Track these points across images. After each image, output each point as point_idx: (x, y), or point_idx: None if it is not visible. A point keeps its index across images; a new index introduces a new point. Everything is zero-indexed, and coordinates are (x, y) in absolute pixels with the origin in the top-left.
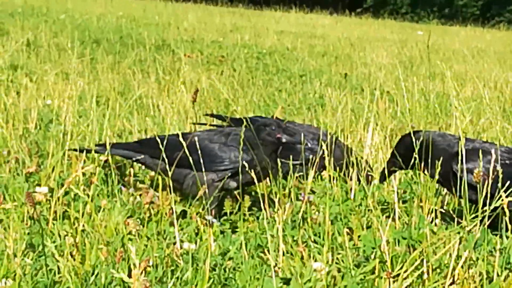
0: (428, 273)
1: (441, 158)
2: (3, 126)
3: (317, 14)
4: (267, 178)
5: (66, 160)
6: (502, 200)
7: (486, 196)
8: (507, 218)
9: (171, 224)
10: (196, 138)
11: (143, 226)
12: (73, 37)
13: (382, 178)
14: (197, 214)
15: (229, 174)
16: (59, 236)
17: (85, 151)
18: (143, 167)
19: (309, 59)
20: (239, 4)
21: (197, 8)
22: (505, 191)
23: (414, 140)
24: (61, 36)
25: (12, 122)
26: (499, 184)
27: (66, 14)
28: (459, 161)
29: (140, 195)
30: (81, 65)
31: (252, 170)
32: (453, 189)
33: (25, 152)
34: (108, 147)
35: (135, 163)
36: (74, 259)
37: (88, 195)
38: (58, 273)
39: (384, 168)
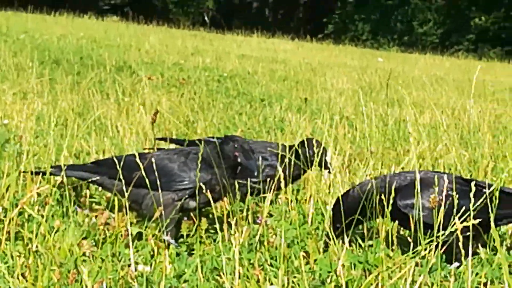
0: None
1: (387, 200)
2: None
3: (279, 39)
4: (225, 199)
5: (21, 180)
6: (455, 225)
7: (440, 222)
8: (460, 244)
9: (126, 245)
10: (155, 158)
11: (98, 248)
12: (32, 56)
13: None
14: (153, 236)
15: (188, 194)
16: (11, 257)
17: (40, 173)
18: (100, 188)
19: (270, 83)
20: (201, 27)
21: (159, 30)
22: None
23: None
24: (20, 55)
25: None
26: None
27: (26, 34)
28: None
29: (96, 216)
30: (40, 85)
31: (210, 191)
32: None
33: None
34: (63, 169)
35: (91, 184)
36: (26, 280)
37: (42, 216)
38: None
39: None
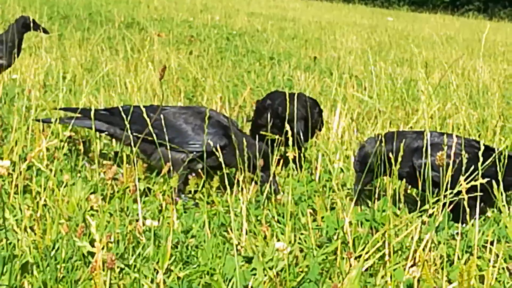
0: (389, 255)
1: (402, 158)
2: None
3: None
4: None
5: (30, 135)
6: (461, 185)
7: (448, 181)
8: (465, 203)
9: (134, 200)
10: (169, 115)
11: (106, 202)
12: (41, 12)
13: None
14: (160, 191)
15: (198, 155)
16: (20, 210)
17: (51, 122)
18: (110, 138)
19: (279, 41)
20: None
21: None
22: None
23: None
24: (29, 10)
25: None
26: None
27: None
28: (421, 156)
29: (104, 171)
30: (48, 41)
31: (224, 155)
32: (418, 185)
33: None
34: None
35: (99, 138)
36: (35, 233)
37: (50, 170)
38: (19, 246)
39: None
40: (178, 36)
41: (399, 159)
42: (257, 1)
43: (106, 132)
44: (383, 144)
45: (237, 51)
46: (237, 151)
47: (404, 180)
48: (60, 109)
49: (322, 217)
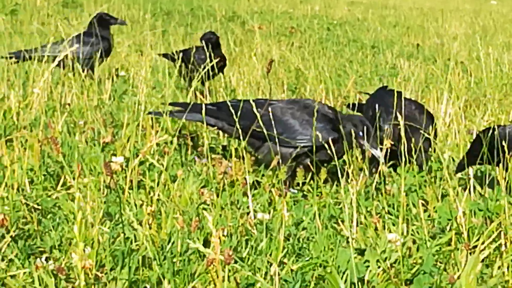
0: (506, 245)
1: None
2: (79, 97)
3: None
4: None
5: (140, 131)
6: None
7: None
8: None
9: (245, 194)
10: (276, 110)
11: (217, 196)
12: (145, 8)
13: (460, 169)
14: (269, 184)
15: (305, 150)
16: (135, 205)
17: (162, 114)
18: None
19: (381, 29)
20: None
21: None
22: None
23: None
24: (133, 8)
25: (87, 93)
26: None
27: None
28: None
29: (213, 165)
30: (153, 37)
31: (333, 148)
32: None
33: (100, 122)
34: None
35: (208, 132)
36: (151, 228)
37: (162, 165)
38: (135, 241)
39: (462, 161)
40: (278, 28)
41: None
42: None
43: (215, 127)
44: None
45: (338, 41)
46: (345, 143)
47: None
48: (170, 104)
49: (434, 208)
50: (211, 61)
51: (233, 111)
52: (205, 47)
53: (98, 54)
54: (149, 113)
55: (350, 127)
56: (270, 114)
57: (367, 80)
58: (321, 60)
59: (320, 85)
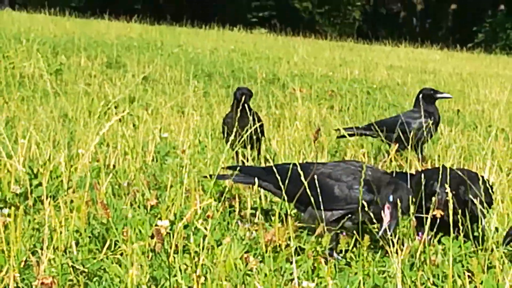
0: None
1: None
2: (124, 158)
3: (427, 48)
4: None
5: (183, 193)
6: None
7: None
8: None
9: (287, 260)
10: (321, 174)
11: (261, 262)
12: (187, 70)
13: (507, 241)
14: (312, 250)
15: (345, 214)
16: (180, 269)
17: (211, 177)
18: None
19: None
20: (348, 38)
21: (306, 42)
22: None
23: None
24: (175, 69)
25: (131, 154)
26: None
27: (179, 48)
28: None
29: (256, 230)
30: (194, 98)
31: (371, 211)
32: None
33: (145, 184)
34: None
35: (252, 195)
36: None
37: (206, 228)
38: None
39: (510, 231)
40: (318, 91)
41: None
42: (396, 54)
43: (265, 189)
44: None
45: (378, 105)
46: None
47: None
48: (226, 168)
49: (480, 280)
50: (253, 121)
51: (280, 176)
52: (236, 104)
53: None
54: (210, 175)
55: (387, 192)
56: (316, 178)
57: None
58: (361, 124)
59: (361, 150)
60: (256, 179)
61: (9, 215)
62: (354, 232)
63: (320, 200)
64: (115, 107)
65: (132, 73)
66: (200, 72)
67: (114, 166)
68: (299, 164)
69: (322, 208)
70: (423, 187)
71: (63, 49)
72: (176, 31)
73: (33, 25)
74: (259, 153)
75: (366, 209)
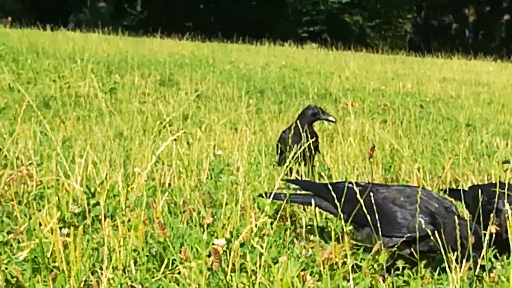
0: None
1: None
2: (179, 177)
3: (481, 60)
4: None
5: (239, 211)
6: None
7: None
8: None
9: (345, 278)
10: (379, 196)
11: (318, 281)
12: (239, 87)
13: None
14: (369, 268)
15: (405, 241)
16: None
17: (269, 196)
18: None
19: (475, 107)
20: (399, 51)
21: (358, 56)
22: None
23: None
24: (227, 86)
25: (185, 173)
26: None
27: (231, 65)
28: None
29: (312, 247)
30: (247, 115)
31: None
32: None
33: (200, 202)
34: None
35: (306, 213)
36: None
37: (262, 246)
38: None
39: None
40: (371, 105)
41: None
42: (449, 66)
43: (321, 207)
44: None
45: (432, 119)
46: (448, 234)
47: None
48: (287, 180)
49: None
50: (307, 139)
51: (336, 195)
52: (300, 125)
53: None
54: (265, 193)
55: (451, 221)
56: (373, 200)
57: (463, 160)
58: (415, 138)
59: (415, 164)
60: (313, 201)
61: (68, 235)
62: (411, 256)
63: (380, 224)
64: (169, 125)
65: (185, 91)
66: (252, 89)
67: (169, 184)
68: (357, 183)
69: (381, 232)
70: (480, 204)
71: (117, 68)
72: (228, 48)
73: (87, 44)
74: (312, 169)
75: (427, 239)
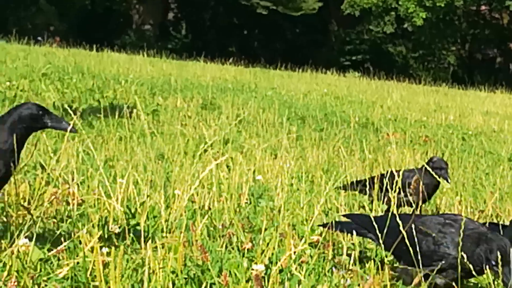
0: None
1: None
2: (219, 200)
3: None
4: None
5: (277, 236)
6: None
7: None
8: None
9: None
10: (420, 227)
11: None
12: (280, 113)
13: None
14: None
15: (439, 270)
16: None
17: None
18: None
19: None
20: (442, 83)
21: (400, 86)
22: None
23: None
24: (268, 112)
25: (225, 196)
26: None
27: (273, 91)
28: None
29: (351, 277)
30: (287, 141)
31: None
32: None
33: (239, 227)
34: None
35: (345, 242)
36: None
37: (300, 273)
38: None
39: None
40: (412, 136)
41: None
42: (492, 100)
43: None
44: None
45: (474, 152)
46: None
47: None
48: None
49: None
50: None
51: (378, 226)
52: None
53: None
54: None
55: (484, 251)
56: (414, 233)
57: (506, 195)
58: (456, 171)
59: (456, 197)
60: (354, 232)
61: (108, 254)
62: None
63: (418, 253)
64: (211, 149)
65: (227, 115)
66: (293, 115)
67: (209, 207)
68: (400, 214)
69: (420, 263)
70: None
71: (160, 90)
72: (270, 74)
73: (131, 66)
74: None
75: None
